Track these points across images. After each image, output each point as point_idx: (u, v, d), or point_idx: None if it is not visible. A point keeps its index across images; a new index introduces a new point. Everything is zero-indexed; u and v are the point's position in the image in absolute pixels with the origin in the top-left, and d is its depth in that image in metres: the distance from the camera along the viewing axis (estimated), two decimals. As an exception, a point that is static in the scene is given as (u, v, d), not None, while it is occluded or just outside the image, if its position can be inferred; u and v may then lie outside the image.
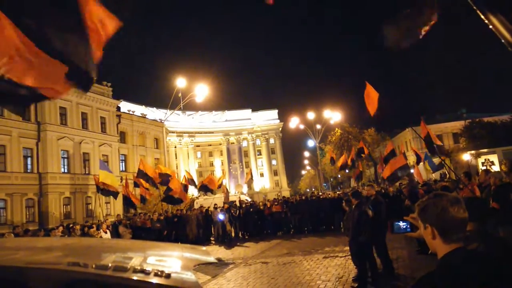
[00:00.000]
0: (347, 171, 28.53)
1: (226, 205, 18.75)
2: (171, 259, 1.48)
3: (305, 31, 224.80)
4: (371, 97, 9.67)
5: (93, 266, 1.23)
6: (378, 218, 7.43)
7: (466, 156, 36.85)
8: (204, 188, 19.93)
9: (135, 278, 1.22)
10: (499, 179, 6.99)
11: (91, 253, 1.49)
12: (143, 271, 1.25)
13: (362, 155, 21.96)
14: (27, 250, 1.51)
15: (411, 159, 25.70)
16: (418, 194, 10.13)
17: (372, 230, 6.94)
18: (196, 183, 22.03)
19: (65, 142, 32.39)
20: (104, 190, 15.64)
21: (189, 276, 1.33)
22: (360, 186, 26.65)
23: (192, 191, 35.40)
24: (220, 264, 10.93)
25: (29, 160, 30.17)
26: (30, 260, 1.32)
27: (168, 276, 1.26)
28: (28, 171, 30.02)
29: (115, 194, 16.42)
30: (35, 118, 30.64)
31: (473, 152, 36.93)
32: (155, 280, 1.23)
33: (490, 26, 2.77)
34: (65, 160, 32.76)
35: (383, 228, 7.41)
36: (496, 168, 30.36)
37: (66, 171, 32.50)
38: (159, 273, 1.26)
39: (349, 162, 21.85)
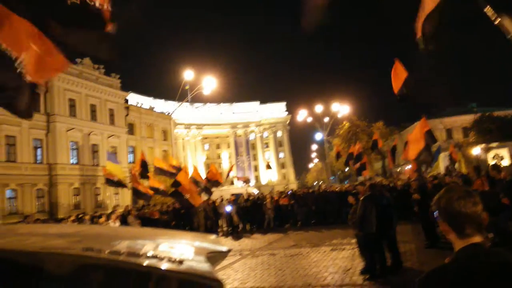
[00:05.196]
0: (354, 166, 28.12)
1: (233, 197, 18.77)
2: (182, 246, 1.48)
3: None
4: (399, 76, 9.26)
5: (106, 251, 1.24)
6: (388, 211, 7.39)
7: (476, 151, 36.40)
8: (215, 184, 19.36)
9: (148, 263, 1.22)
10: (510, 174, 6.91)
11: (103, 239, 1.50)
12: (155, 257, 1.26)
13: (375, 149, 21.84)
14: (39, 236, 1.52)
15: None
16: (427, 188, 10.08)
17: (379, 223, 6.88)
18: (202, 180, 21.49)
19: (74, 134, 32.71)
20: (111, 182, 15.74)
21: (202, 263, 1.33)
22: (368, 180, 26.35)
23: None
24: (228, 255, 10.99)
25: (39, 151, 30.54)
26: (43, 245, 1.33)
27: (181, 262, 1.27)
28: (38, 161, 30.41)
29: (122, 186, 16.50)
30: (44, 109, 30.95)
31: (483, 146, 36.49)
32: (168, 266, 1.23)
33: (496, 23, 2.75)
34: (74, 151, 33.11)
35: (393, 221, 7.37)
36: (506, 162, 29.99)
37: (75, 162, 32.86)
38: (172, 259, 1.26)
39: (355, 154, 21.60)
